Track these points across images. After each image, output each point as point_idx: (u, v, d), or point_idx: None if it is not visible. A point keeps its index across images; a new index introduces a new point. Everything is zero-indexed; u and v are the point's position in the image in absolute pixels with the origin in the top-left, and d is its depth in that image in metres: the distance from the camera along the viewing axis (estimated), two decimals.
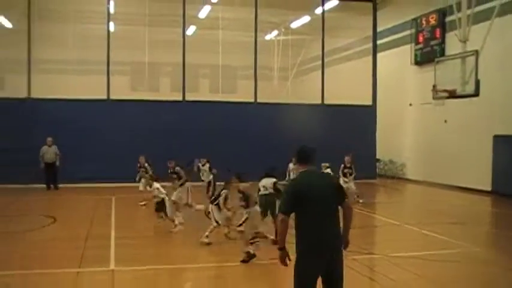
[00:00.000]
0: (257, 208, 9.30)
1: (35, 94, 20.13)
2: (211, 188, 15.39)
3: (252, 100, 21.71)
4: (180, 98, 21.08)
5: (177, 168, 13.17)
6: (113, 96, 20.58)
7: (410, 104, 22.50)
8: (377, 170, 23.21)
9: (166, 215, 11.50)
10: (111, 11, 21.35)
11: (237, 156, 17.63)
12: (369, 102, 22.82)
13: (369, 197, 17.08)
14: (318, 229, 4.79)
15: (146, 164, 15.48)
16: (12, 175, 17.92)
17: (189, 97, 21.18)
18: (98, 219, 13.07)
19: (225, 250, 9.85)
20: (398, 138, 23.32)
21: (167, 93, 22.98)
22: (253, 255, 8.68)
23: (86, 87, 20.57)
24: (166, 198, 11.57)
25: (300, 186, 4.95)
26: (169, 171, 13.16)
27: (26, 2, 20.17)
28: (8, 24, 22.29)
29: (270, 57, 24.24)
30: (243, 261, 8.67)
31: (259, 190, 10.54)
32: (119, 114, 20.02)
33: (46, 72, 21.71)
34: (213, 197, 10.31)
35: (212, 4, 22.14)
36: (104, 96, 20.50)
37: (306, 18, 24.17)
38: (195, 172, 15.84)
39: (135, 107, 20.45)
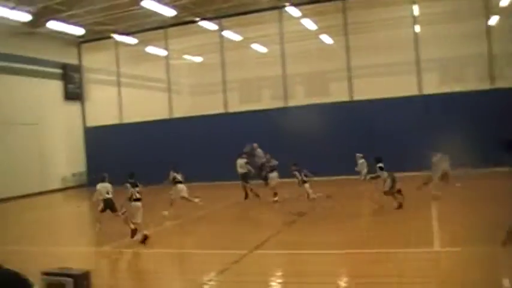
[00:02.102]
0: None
1: (357, 97, 23.73)
2: None
3: None
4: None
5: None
6: (425, 92, 22.53)
7: None
8: None
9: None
10: (415, 13, 23.43)
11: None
12: None
13: None
14: None
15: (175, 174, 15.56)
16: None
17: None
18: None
19: None
20: None
21: None
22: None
23: (396, 86, 22.99)
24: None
25: None
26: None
27: (342, 20, 23.91)
28: (329, 41, 26.74)
29: None
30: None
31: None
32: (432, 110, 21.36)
33: (363, 77, 24.90)
34: None
35: None
36: (416, 93, 22.65)
37: None
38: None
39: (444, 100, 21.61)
